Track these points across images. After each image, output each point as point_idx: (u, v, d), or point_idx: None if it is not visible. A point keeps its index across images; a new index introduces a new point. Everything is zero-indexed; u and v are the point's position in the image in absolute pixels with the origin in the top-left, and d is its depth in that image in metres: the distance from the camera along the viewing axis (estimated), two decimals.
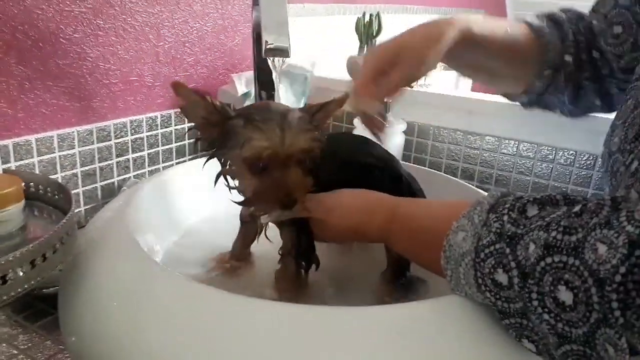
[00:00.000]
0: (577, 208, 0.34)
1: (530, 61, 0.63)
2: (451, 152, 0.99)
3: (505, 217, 0.38)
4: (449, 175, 0.80)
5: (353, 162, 0.58)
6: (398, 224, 0.49)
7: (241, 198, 0.53)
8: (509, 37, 0.62)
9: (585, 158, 0.86)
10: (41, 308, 0.60)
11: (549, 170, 0.90)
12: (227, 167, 0.52)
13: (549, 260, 0.33)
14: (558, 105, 0.66)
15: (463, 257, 0.39)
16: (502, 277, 0.36)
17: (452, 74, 1.43)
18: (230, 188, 0.53)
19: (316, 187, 0.52)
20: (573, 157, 0.87)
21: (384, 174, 0.58)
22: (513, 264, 0.35)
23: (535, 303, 0.34)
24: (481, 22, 0.60)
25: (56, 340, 0.56)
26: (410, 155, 1.03)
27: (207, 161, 0.54)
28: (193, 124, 0.52)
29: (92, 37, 0.77)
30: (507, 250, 0.36)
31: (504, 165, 0.94)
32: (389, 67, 0.56)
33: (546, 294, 0.33)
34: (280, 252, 0.56)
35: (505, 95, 0.70)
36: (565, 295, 0.32)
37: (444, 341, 0.39)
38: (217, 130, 0.51)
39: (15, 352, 0.54)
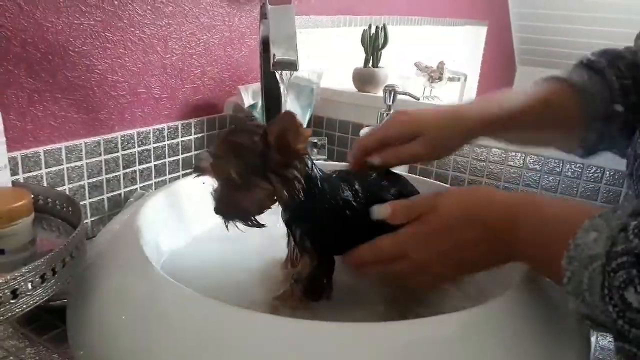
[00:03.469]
0: None
1: (576, 119, 0.58)
2: (457, 164, 0.99)
3: (635, 226, 0.33)
4: (455, 187, 0.80)
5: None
6: (526, 215, 0.43)
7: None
8: (547, 105, 0.58)
9: (592, 171, 0.86)
10: (48, 321, 0.60)
11: (556, 183, 0.90)
12: None
13: None
14: (619, 148, 0.61)
15: (591, 261, 0.35)
16: (633, 298, 0.32)
17: (457, 85, 1.43)
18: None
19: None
20: (580, 170, 0.87)
21: None
22: None
23: None
24: (510, 99, 0.58)
25: (63, 354, 0.56)
26: (417, 167, 1.03)
27: None
28: None
29: (101, 49, 0.78)
30: (634, 272, 0.32)
31: (511, 177, 0.94)
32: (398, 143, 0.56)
33: None
34: (293, 278, 0.55)
35: (560, 150, 0.65)
36: None
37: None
38: None
39: None
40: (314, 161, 0.53)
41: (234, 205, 0.50)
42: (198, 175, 0.51)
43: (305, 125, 1.02)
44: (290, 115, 0.48)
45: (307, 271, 0.54)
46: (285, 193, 0.49)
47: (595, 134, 0.58)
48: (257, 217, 0.51)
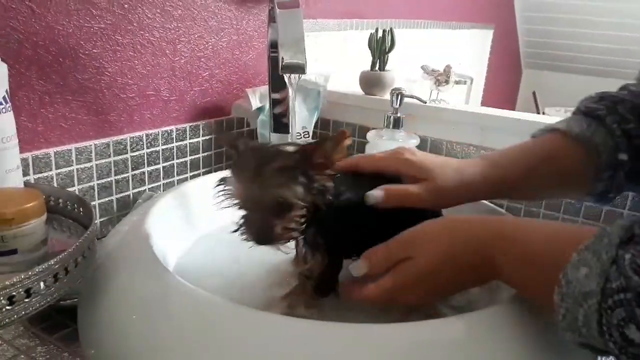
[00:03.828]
0: None
1: (582, 172, 0.55)
2: None
3: (629, 260, 0.33)
4: None
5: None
6: (503, 244, 0.43)
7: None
8: (549, 163, 0.56)
9: None
10: (59, 320, 0.61)
11: (560, 202, 0.90)
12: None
13: None
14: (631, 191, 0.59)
15: (585, 298, 0.34)
16: (634, 335, 0.32)
17: (463, 88, 1.43)
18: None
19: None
20: None
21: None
22: None
23: None
24: (508, 156, 0.57)
25: (74, 353, 0.56)
26: None
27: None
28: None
29: (111, 52, 0.79)
30: (637, 311, 0.32)
31: None
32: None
33: None
34: (304, 275, 0.56)
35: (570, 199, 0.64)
36: None
37: None
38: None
39: None
40: None
41: (273, 231, 0.50)
42: (229, 205, 0.51)
43: (312, 128, 1.03)
44: (341, 132, 0.49)
45: (319, 269, 0.54)
46: (313, 208, 0.50)
47: (603, 184, 0.55)
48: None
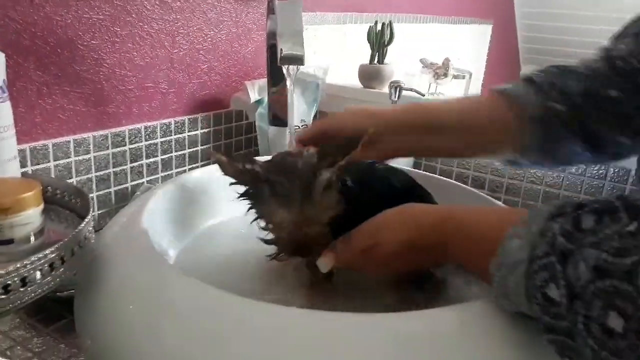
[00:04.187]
0: (632, 227, 0.32)
1: (506, 121, 0.58)
2: (462, 161, 0.99)
3: (557, 228, 0.36)
4: (459, 183, 0.80)
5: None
6: (454, 228, 0.47)
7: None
8: (471, 102, 0.60)
9: (596, 168, 0.86)
10: (56, 311, 0.61)
11: (560, 180, 0.90)
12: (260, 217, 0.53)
13: (599, 284, 0.32)
14: (576, 157, 0.60)
15: (516, 266, 0.37)
16: (553, 293, 0.34)
17: (462, 82, 1.43)
18: (261, 228, 0.54)
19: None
20: (584, 167, 0.87)
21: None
22: (563, 282, 0.34)
23: (581, 327, 0.33)
24: (436, 102, 0.59)
25: (70, 344, 0.56)
26: (421, 163, 1.04)
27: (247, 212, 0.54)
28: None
29: (110, 43, 0.78)
30: (558, 267, 0.34)
31: (515, 173, 0.94)
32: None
33: (593, 319, 0.32)
34: (307, 265, 0.56)
35: (508, 163, 0.64)
36: (615, 322, 0.31)
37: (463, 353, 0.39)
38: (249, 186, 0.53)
39: (30, 354, 0.55)
40: None
41: (317, 245, 0.52)
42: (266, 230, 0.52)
43: (310, 121, 1.03)
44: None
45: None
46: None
47: (533, 138, 0.58)
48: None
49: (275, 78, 0.84)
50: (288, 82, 0.71)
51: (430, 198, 0.59)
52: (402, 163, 0.61)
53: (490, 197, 0.72)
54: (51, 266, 0.43)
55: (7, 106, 0.56)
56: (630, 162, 0.73)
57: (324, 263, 0.51)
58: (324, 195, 0.50)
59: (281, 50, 0.65)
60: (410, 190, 0.58)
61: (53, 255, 0.42)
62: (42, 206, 0.51)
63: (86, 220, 0.48)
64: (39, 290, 0.42)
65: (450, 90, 1.19)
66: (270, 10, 0.75)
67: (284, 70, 0.69)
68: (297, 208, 0.49)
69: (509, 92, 0.58)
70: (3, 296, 0.39)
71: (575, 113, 0.56)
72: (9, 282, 0.39)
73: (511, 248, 0.38)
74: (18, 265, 0.39)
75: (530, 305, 0.37)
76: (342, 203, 0.50)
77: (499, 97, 0.58)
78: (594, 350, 0.32)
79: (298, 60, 0.65)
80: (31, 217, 0.49)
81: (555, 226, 0.36)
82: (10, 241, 0.48)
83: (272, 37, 0.77)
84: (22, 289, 0.40)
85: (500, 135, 0.59)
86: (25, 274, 0.40)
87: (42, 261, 0.41)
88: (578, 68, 0.58)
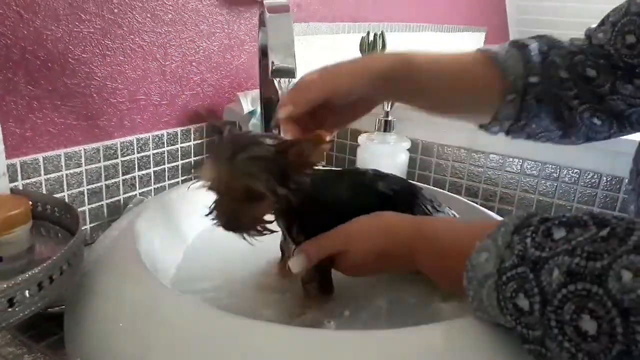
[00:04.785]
0: (604, 232, 0.33)
1: (489, 88, 0.58)
2: (455, 170, 1.00)
3: (529, 240, 0.36)
4: (452, 194, 0.81)
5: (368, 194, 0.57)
6: (422, 241, 0.48)
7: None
8: (459, 64, 0.59)
9: (589, 176, 0.86)
10: (46, 328, 0.60)
11: (553, 189, 0.90)
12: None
13: (571, 287, 0.32)
14: (544, 134, 0.61)
15: (486, 279, 0.38)
16: (523, 303, 0.35)
17: None
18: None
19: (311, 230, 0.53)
20: (577, 176, 0.87)
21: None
22: (536, 290, 0.34)
23: (556, 331, 0.33)
24: (424, 53, 0.58)
25: None
26: (414, 172, 1.04)
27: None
28: None
29: (100, 56, 0.78)
30: (531, 276, 0.35)
31: (508, 183, 0.94)
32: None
33: (567, 322, 0.32)
34: (303, 281, 0.56)
35: (480, 127, 0.64)
36: (588, 325, 0.31)
37: None
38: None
39: None
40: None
41: (245, 218, 0.51)
42: (202, 186, 0.51)
43: None
44: (319, 135, 0.49)
45: (313, 272, 0.55)
46: (285, 201, 0.51)
47: (510, 108, 0.58)
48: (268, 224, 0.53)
49: (268, 89, 0.84)
50: (280, 94, 0.71)
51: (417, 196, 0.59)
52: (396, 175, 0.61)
53: (482, 208, 0.72)
54: (39, 285, 0.42)
55: None
56: (623, 171, 0.73)
57: (296, 264, 0.52)
58: (249, 163, 0.49)
59: (272, 63, 0.64)
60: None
61: (41, 274, 0.42)
62: (30, 223, 0.51)
63: (74, 238, 0.48)
64: (27, 311, 0.42)
65: None
66: (262, 23, 0.75)
67: (276, 83, 0.69)
68: (224, 165, 0.49)
69: (498, 59, 0.58)
70: None
71: (555, 89, 0.57)
72: None
73: (480, 262, 0.39)
74: (5, 286, 0.39)
75: (504, 317, 0.37)
76: (271, 183, 0.49)
77: (488, 61, 0.58)
78: (571, 353, 0.32)
79: (290, 73, 0.65)
80: (20, 235, 0.49)
81: (523, 239, 0.37)
82: None
83: (263, 49, 0.77)
84: (9, 310, 0.40)
85: (483, 101, 0.60)
86: (12, 295, 0.40)
87: (30, 281, 0.41)
88: (565, 43, 0.59)
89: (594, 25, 0.60)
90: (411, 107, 0.60)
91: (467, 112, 0.63)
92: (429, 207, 0.58)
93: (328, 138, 0.49)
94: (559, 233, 0.35)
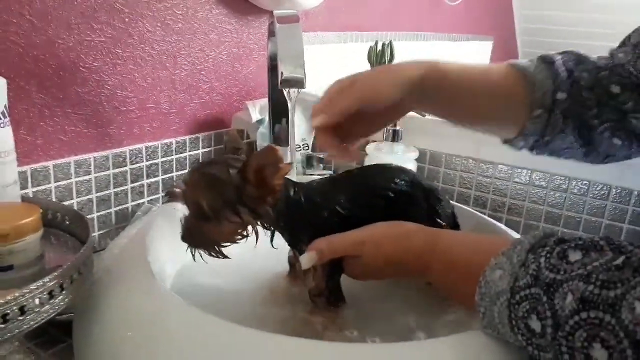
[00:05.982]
0: (619, 260, 0.33)
1: (517, 102, 0.58)
2: (463, 180, 0.99)
3: (543, 260, 0.36)
4: (460, 204, 0.80)
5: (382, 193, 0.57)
6: (437, 255, 0.48)
7: None
8: (488, 76, 0.59)
9: (599, 188, 0.86)
10: (55, 335, 0.60)
11: (562, 200, 0.90)
12: None
13: (584, 315, 0.32)
14: (567, 151, 0.60)
15: (498, 296, 0.38)
16: (535, 324, 0.35)
17: None
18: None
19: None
20: (587, 187, 0.87)
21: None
22: (548, 313, 0.34)
23: (567, 357, 0.33)
24: (453, 63, 0.58)
25: None
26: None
27: None
28: None
29: (111, 65, 0.79)
30: (544, 298, 0.35)
31: (517, 194, 0.94)
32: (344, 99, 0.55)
33: (577, 349, 0.32)
34: (312, 294, 0.56)
35: (504, 142, 0.64)
36: (599, 354, 0.31)
37: None
38: None
39: None
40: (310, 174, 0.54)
41: (200, 236, 0.52)
42: (168, 201, 0.53)
43: (311, 141, 1.03)
44: (272, 150, 0.48)
45: (323, 281, 0.54)
46: (253, 228, 0.52)
47: (536, 124, 0.57)
48: (223, 248, 0.53)
49: (277, 98, 0.85)
50: (289, 104, 0.71)
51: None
52: None
53: (490, 219, 0.72)
54: (50, 294, 0.43)
55: (7, 131, 0.56)
56: (633, 182, 0.72)
57: (307, 260, 0.52)
58: (201, 179, 0.50)
59: (282, 73, 0.65)
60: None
61: (52, 283, 0.42)
62: (41, 231, 0.51)
63: (85, 246, 0.48)
64: (38, 319, 0.42)
65: None
66: (271, 33, 0.76)
67: (285, 93, 0.69)
68: (188, 178, 0.52)
69: (528, 74, 0.57)
70: (2, 325, 0.39)
71: (579, 105, 0.56)
72: (8, 311, 0.39)
73: (494, 279, 0.39)
74: (17, 294, 0.39)
75: (515, 336, 0.37)
76: (217, 203, 0.49)
77: (518, 75, 0.58)
78: None
79: (299, 83, 0.65)
80: (30, 243, 0.49)
81: (538, 258, 0.37)
82: (9, 267, 0.48)
83: (272, 58, 0.77)
84: (20, 318, 0.40)
85: (511, 115, 0.59)
86: (24, 303, 0.40)
87: (40, 289, 0.41)
88: (592, 58, 0.59)
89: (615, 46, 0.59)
90: (439, 116, 0.61)
91: (494, 125, 0.63)
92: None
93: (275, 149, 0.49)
94: (574, 255, 0.36)
